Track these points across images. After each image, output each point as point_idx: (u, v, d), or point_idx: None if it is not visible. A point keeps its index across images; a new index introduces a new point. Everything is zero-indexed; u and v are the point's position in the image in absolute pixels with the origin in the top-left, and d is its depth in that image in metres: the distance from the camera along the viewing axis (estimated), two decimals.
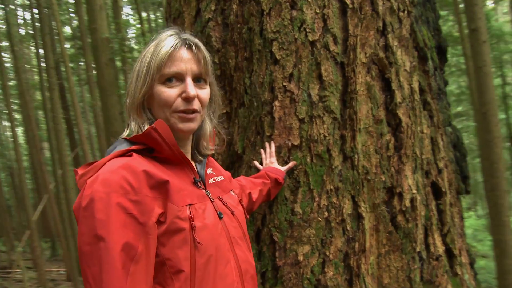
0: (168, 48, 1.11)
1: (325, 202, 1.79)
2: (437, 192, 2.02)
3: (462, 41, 9.20)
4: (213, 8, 2.05)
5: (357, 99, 1.85)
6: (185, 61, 1.13)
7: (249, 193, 1.62)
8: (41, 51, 11.53)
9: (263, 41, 1.89)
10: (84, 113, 16.87)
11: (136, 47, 11.42)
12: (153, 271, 0.99)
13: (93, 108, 12.47)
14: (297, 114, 1.83)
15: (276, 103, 1.85)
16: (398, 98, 1.91)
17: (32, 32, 12.81)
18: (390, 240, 1.86)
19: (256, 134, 1.93)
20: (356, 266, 1.77)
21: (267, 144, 1.87)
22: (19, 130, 17.91)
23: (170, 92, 1.12)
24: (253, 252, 1.69)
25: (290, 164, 1.82)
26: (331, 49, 1.85)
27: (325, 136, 1.82)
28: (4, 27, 14.34)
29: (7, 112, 13.50)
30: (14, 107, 15.12)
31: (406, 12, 2.02)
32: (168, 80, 1.12)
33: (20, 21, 17.17)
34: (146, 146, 1.10)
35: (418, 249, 1.87)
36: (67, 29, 16.00)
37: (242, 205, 1.33)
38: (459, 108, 15.81)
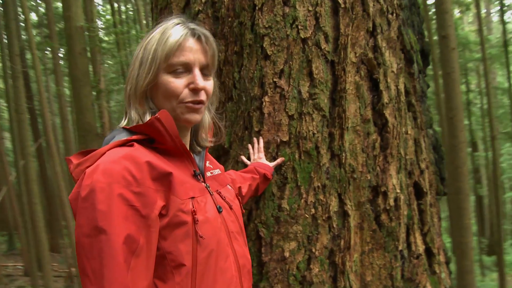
0: (178, 37, 1.09)
1: (312, 199, 1.80)
2: (419, 192, 2.06)
3: (431, 47, 9.43)
4: (203, 0, 2.02)
5: (346, 98, 1.87)
6: (194, 52, 1.11)
7: (239, 188, 1.62)
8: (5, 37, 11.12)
9: (254, 36, 1.88)
10: (48, 103, 16.41)
11: (106, 38, 11.21)
12: (154, 265, 0.97)
13: (59, 98, 12.16)
14: (286, 110, 1.83)
15: (266, 98, 1.85)
16: (385, 98, 1.94)
17: None
18: (374, 238, 1.89)
19: (244, 129, 1.92)
20: (341, 263, 1.79)
21: (255, 139, 1.86)
22: None
23: (177, 83, 1.10)
24: None
25: (278, 160, 1.82)
26: (322, 47, 1.86)
27: (314, 133, 1.82)
28: None
29: None
30: None
31: (394, 14, 2.05)
32: (175, 70, 1.10)
33: None
34: (147, 136, 1.07)
35: (400, 248, 1.90)
36: (33, 16, 15.51)
37: (238, 199, 1.32)
38: None
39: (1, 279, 11.36)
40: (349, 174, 1.86)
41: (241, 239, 1.22)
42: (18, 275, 12.97)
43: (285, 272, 1.76)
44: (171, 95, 1.10)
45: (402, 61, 2.07)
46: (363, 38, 1.94)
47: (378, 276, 1.88)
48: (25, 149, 9.82)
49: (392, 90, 1.98)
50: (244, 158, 1.87)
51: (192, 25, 1.14)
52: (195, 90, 1.11)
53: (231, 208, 1.22)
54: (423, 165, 2.09)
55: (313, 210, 1.80)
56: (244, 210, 1.42)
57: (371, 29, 1.96)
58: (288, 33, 1.85)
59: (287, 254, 1.77)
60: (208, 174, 1.25)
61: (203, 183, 1.17)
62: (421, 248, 1.99)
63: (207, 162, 1.29)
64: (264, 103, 1.85)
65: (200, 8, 2.02)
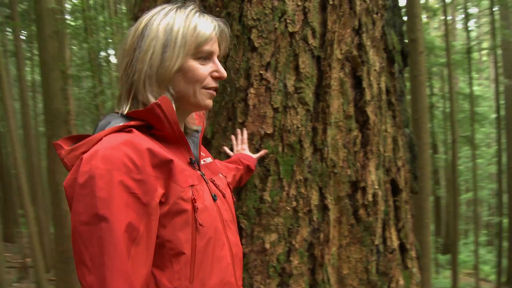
0: (211, 29, 1.12)
1: (294, 192, 1.82)
2: (395, 189, 2.12)
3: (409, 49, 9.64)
4: None
5: (330, 94, 1.89)
6: (217, 42, 1.16)
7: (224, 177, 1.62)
8: None
9: (241, 28, 1.87)
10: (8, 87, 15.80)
11: (73, 23, 10.90)
12: (153, 253, 0.96)
13: (20, 82, 11.76)
14: (271, 103, 1.84)
15: (251, 90, 1.85)
16: (367, 96, 1.98)
17: None
18: (352, 233, 1.92)
19: (227, 120, 1.91)
20: (320, 256, 1.82)
21: (238, 130, 1.86)
22: None
23: (204, 69, 1.12)
24: None
25: (262, 152, 1.83)
26: (309, 42, 1.87)
27: (298, 127, 1.84)
28: None
29: None
30: None
31: (379, 14, 2.09)
32: (201, 56, 1.12)
33: None
34: (145, 122, 1.05)
35: (376, 242, 1.95)
36: None
37: (229, 187, 1.32)
38: None
39: None
40: (330, 169, 1.89)
41: (233, 227, 1.22)
42: None
43: (265, 263, 1.77)
44: (197, 80, 1.11)
45: (384, 61, 2.12)
46: (349, 35, 1.97)
47: (354, 269, 1.92)
48: None
49: (374, 88, 2.02)
50: (227, 149, 1.87)
51: (214, 18, 1.17)
52: (218, 78, 1.16)
53: (224, 197, 1.22)
54: (399, 163, 2.15)
55: (294, 203, 1.82)
56: (235, 199, 1.42)
57: (357, 27, 1.99)
58: (276, 26, 1.85)
59: (267, 245, 1.78)
60: (202, 162, 1.25)
61: (199, 171, 1.16)
62: (395, 243, 2.04)
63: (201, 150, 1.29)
64: (249, 95, 1.85)
65: None
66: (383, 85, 2.09)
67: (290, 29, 1.86)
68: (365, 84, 1.98)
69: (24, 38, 15.18)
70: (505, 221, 13.82)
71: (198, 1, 2.00)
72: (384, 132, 2.06)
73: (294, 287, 1.79)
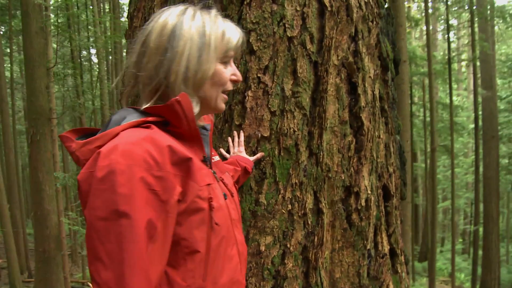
0: (238, 36, 1.15)
1: (289, 195, 1.83)
2: (386, 195, 2.15)
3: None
4: None
5: (326, 99, 1.91)
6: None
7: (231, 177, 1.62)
8: None
9: None
10: None
11: (56, 20, 10.75)
12: (168, 251, 0.95)
13: None
14: (269, 106, 1.85)
15: (249, 93, 1.86)
16: (362, 102, 2.01)
17: None
18: (344, 237, 1.94)
19: (224, 122, 1.92)
20: (314, 259, 1.83)
21: (235, 133, 1.87)
22: None
23: (227, 73, 1.15)
24: None
25: (258, 155, 1.84)
26: (307, 47, 1.89)
27: (294, 131, 1.86)
28: None
29: None
30: None
31: (375, 22, 2.12)
32: (225, 61, 1.14)
33: None
34: (163, 118, 1.05)
35: (368, 247, 1.98)
36: None
37: (236, 187, 1.33)
38: None
39: None
40: (325, 173, 1.91)
41: (239, 226, 1.24)
42: None
43: (259, 266, 1.78)
44: (222, 84, 1.14)
45: (378, 68, 2.15)
46: (345, 42, 1.99)
47: (346, 273, 1.94)
48: None
49: (368, 94, 2.05)
50: (223, 151, 1.87)
51: (236, 25, 1.20)
52: (236, 82, 1.18)
53: (232, 196, 1.23)
54: (391, 169, 2.18)
55: (289, 206, 1.83)
56: (240, 198, 1.43)
57: (353, 34, 2.02)
58: (275, 30, 1.87)
59: (262, 248, 1.79)
60: (212, 160, 1.25)
61: (211, 169, 1.17)
62: (386, 248, 2.07)
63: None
64: (247, 98, 1.86)
65: None
66: (377, 92, 2.12)
67: (288, 33, 1.87)
68: (360, 90, 2.01)
69: (1, 33, 14.90)
70: (481, 229, 14.11)
71: (197, 2, 2.00)
72: (377, 138, 2.09)
73: None
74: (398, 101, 7.56)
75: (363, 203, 1.97)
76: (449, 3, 13.42)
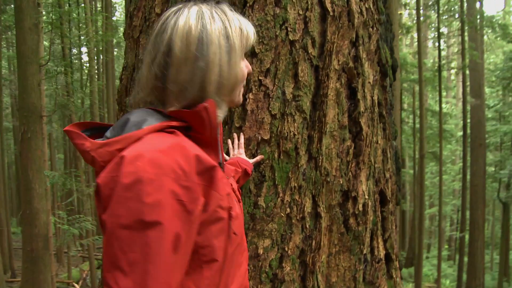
0: (252, 28, 1.13)
1: (288, 198, 1.83)
2: (383, 200, 2.16)
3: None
4: None
5: (326, 103, 1.92)
6: None
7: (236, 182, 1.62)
8: None
9: None
10: None
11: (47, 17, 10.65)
12: (188, 260, 0.93)
13: None
14: (270, 109, 1.85)
15: (250, 95, 1.86)
16: (361, 107, 2.02)
17: None
18: (341, 241, 1.95)
19: (224, 124, 1.91)
20: (311, 263, 1.84)
21: (235, 135, 1.86)
22: None
23: (245, 68, 1.14)
24: None
25: (258, 157, 1.84)
26: (309, 51, 1.90)
27: (294, 134, 1.86)
28: None
29: None
30: None
31: (375, 28, 2.14)
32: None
33: None
34: (186, 123, 1.01)
35: (364, 252, 1.98)
36: None
37: (240, 191, 1.32)
38: None
39: None
40: (323, 177, 1.92)
41: (243, 231, 1.23)
42: None
43: (257, 269, 1.78)
44: (243, 80, 1.13)
45: (377, 74, 2.16)
46: (346, 47, 2.00)
47: (342, 277, 1.94)
48: None
49: (368, 100, 2.06)
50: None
51: (247, 20, 1.17)
52: (249, 73, 1.17)
53: (239, 201, 1.22)
54: (387, 175, 2.19)
55: (288, 210, 1.83)
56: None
57: (354, 39, 2.03)
58: (277, 33, 1.87)
59: (261, 251, 1.78)
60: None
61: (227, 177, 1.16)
62: (382, 253, 2.08)
63: None
64: (247, 100, 1.86)
65: None
66: (375, 98, 2.13)
67: (290, 37, 1.88)
68: (359, 95, 2.02)
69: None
70: (467, 236, 14.24)
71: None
72: (375, 143, 2.11)
73: None
74: None
75: (361, 208, 1.98)
76: (440, 11, 13.57)
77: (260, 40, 1.86)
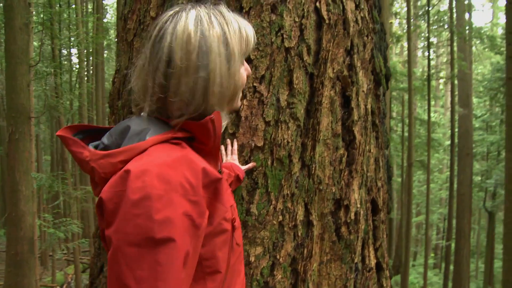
0: (252, 30, 1.09)
1: (280, 206, 1.82)
2: (374, 209, 2.16)
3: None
4: None
5: (321, 111, 1.92)
6: None
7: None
8: None
9: None
10: None
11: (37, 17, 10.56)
12: (193, 273, 0.91)
13: None
14: (264, 116, 1.84)
15: (244, 102, 1.85)
16: (355, 116, 2.02)
17: None
18: (333, 250, 1.94)
19: None
20: (302, 271, 1.82)
21: (228, 141, 1.85)
22: None
23: (244, 72, 1.11)
24: None
25: (250, 164, 1.82)
26: (304, 59, 1.90)
27: (288, 142, 1.85)
28: None
29: None
30: None
31: (369, 37, 2.15)
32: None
33: None
34: (191, 134, 1.00)
35: (355, 260, 1.98)
36: None
37: (233, 196, 1.31)
38: None
39: None
40: (316, 185, 1.91)
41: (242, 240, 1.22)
42: None
43: (248, 276, 1.76)
44: (243, 85, 1.10)
45: (371, 82, 2.17)
46: (341, 55, 2.00)
47: (333, 286, 1.93)
48: None
49: (361, 108, 2.06)
50: None
51: (247, 21, 1.13)
52: (248, 76, 1.14)
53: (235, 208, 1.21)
54: (379, 183, 2.19)
55: (280, 217, 1.82)
56: None
57: (349, 48, 2.03)
58: (272, 40, 1.87)
59: (252, 259, 1.77)
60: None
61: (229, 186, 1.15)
62: (373, 262, 2.08)
63: None
64: (242, 106, 1.85)
65: (183, 2, 1.99)
66: (369, 106, 2.14)
67: (286, 44, 1.87)
68: (353, 104, 2.02)
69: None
70: (453, 245, 14.34)
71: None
72: (368, 152, 2.11)
73: None
74: None
75: (353, 217, 1.97)
76: (430, 21, 13.71)
77: (256, 47, 1.86)
